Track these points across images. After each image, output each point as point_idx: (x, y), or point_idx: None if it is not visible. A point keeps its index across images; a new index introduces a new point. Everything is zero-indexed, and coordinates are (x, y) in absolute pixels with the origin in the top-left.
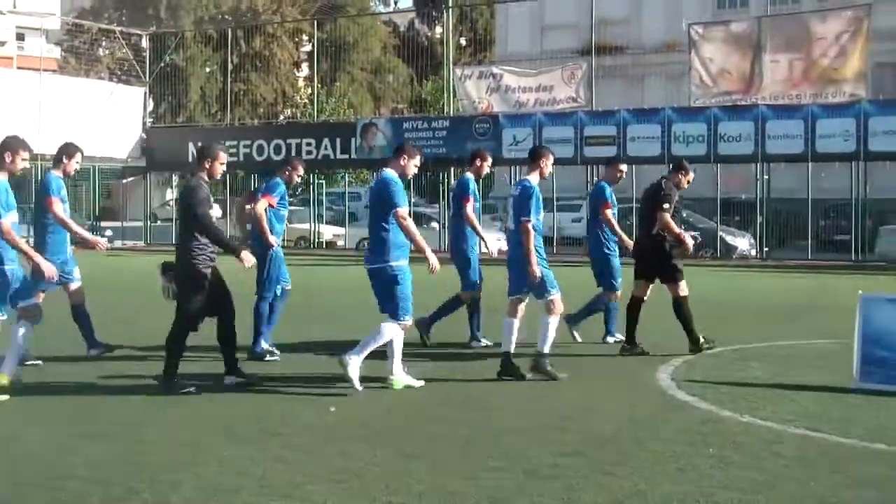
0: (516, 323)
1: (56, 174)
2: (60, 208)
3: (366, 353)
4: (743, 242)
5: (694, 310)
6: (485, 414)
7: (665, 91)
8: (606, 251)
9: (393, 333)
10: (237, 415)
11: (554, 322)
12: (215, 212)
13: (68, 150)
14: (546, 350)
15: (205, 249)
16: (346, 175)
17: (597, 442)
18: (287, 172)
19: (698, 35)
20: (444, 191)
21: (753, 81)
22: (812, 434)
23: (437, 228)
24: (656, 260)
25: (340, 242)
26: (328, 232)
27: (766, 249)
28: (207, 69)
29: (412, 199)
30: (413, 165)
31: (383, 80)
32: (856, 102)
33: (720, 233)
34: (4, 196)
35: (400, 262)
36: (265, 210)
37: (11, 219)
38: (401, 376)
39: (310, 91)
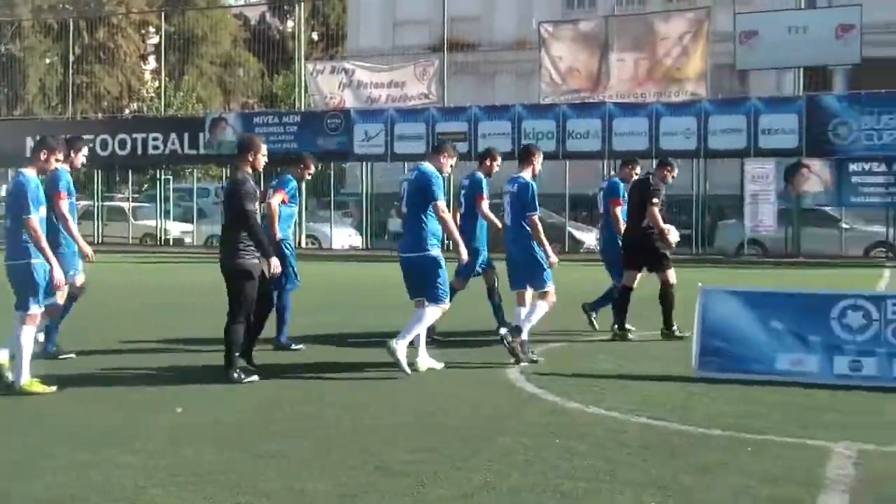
0: (525, 309)
1: (65, 168)
2: (66, 205)
3: (410, 337)
4: (589, 237)
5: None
6: (340, 411)
7: (516, 88)
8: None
9: (435, 317)
10: (80, 420)
11: (543, 308)
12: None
13: (76, 144)
14: (525, 325)
15: (249, 244)
16: (195, 170)
17: (447, 437)
18: (300, 170)
19: (548, 34)
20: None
21: (601, 80)
22: (654, 422)
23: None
24: (645, 250)
25: (188, 240)
26: (175, 229)
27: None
28: (47, 60)
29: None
30: (449, 165)
31: (233, 75)
32: (696, 101)
33: (568, 228)
34: (35, 192)
35: (437, 251)
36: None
37: (43, 211)
38: (425, 360)
39: (157, 84)
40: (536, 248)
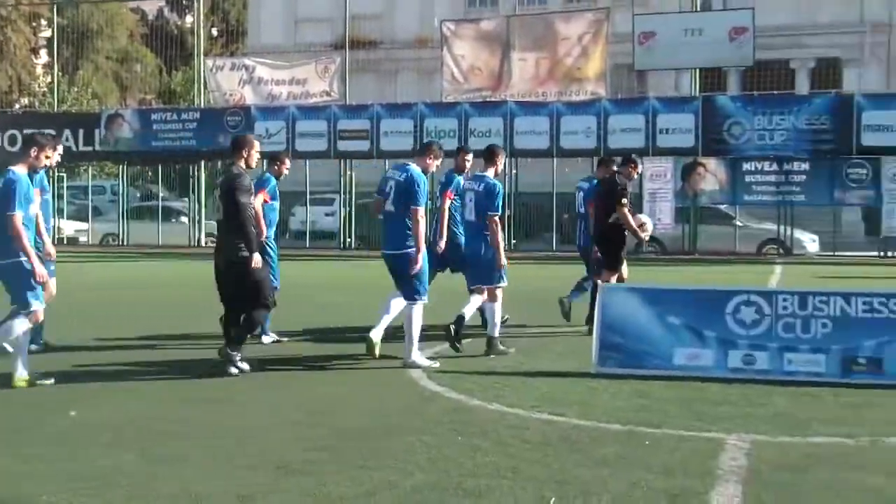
0: (491, 304)
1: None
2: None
3: (416, 340)
4: None
5: (442, 302)
6: (234, 411)
7: (418, 86)
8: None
9: (420, 312)
10: None
11: (478, 302)
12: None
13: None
14: (497, 323)
15: (252, 234)
16: (90, 168)
17: (349, 435)
18: (276, 167)
19: (450, 32)
20: (193, 184)
21: (502, 78)
22: (555, 418)
23: (187, 223)
24: (604, 246)
25: (83, 238)
26: (69, 227)
27: (513, 242)
28: None
29: (160, 193)
30: (435, 165)
31: (130, 70)
32: (596, 101)
33: None
34: (25, 189)
35: (420, 250)
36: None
37: (33, 210)
38: (418, 359)
39: (49, 79)
40: (496, 247)
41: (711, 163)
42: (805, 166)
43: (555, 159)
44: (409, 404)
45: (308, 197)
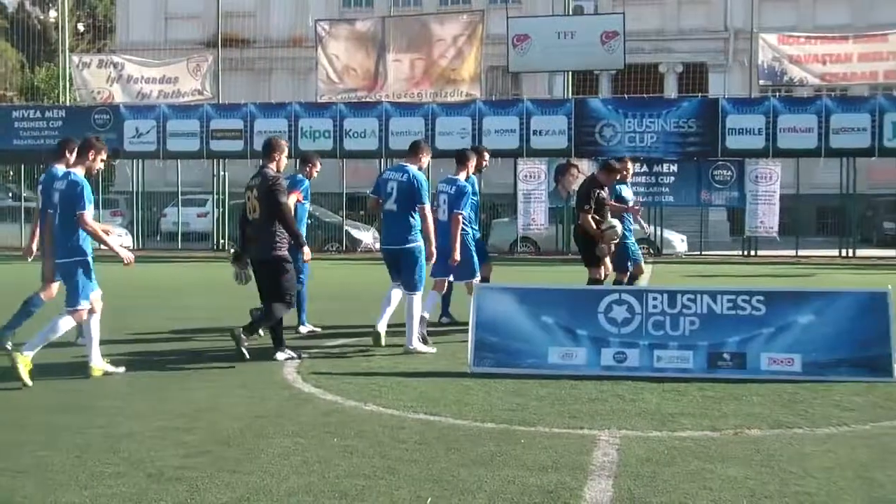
0: (438, 296)
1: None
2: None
3: (416, 330)
4: (367, 236)
5: (328, 301)
6: (102, 419)
7: (292, 86)
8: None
9: (419, 302)
10: None
11: (435, 298)
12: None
13: (70, 145)
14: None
15: (283, 234)
16: None
17: (222, 440)
18: (308, 168)
19: (325, 32)
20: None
21: (378, 79)
22: (431, 418)
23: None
24: (579, 244)
25: None
26: None
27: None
28: None
29: (23, 194)
30: (427, 161)
31: None
32: (471, 102)
33: (346, 227)
34: (89, 191)
35: (420, 244)
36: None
37: (92, 211)
38: (418, 346)
39: None
40: (470, 242)
41: (584, 164)
42: (673, 168)
43: (430, 160)
44: (283, 407)
45: (180, 197)
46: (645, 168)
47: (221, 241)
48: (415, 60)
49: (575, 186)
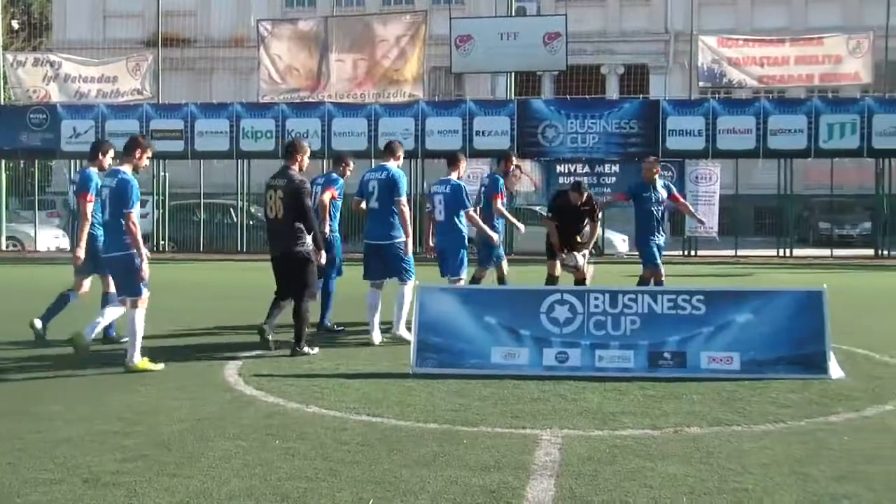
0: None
1: (93, 170)
2: (91, 206)
3: (404, 318)
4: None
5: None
6: (37, 424)
7: (234, 86)
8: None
9: (411, 290)
10: None
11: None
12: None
13: (104, 146)
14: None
15: (304, 234)
16: None
17: (162, 444)
18: (341, 168)
19: (267, 32)
20: None
21: (320, 79)
22: (373, 419)
23: None
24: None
25: None
26: None
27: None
28: None
29: None
30: (402, 158)
31: None
32: (414, 103)
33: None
34: (137, 189)
35: (403, 238)
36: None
37: (138, 210)
38: (403, 333)
39: None
40: (464, 243)
41: (527, 164)
42: (615, 168)
43: (372, 160)
44: (224, 409)
45: None
46: (587, 168)
47: (162, 242)
48: (358, 61)
49: (518, 187)
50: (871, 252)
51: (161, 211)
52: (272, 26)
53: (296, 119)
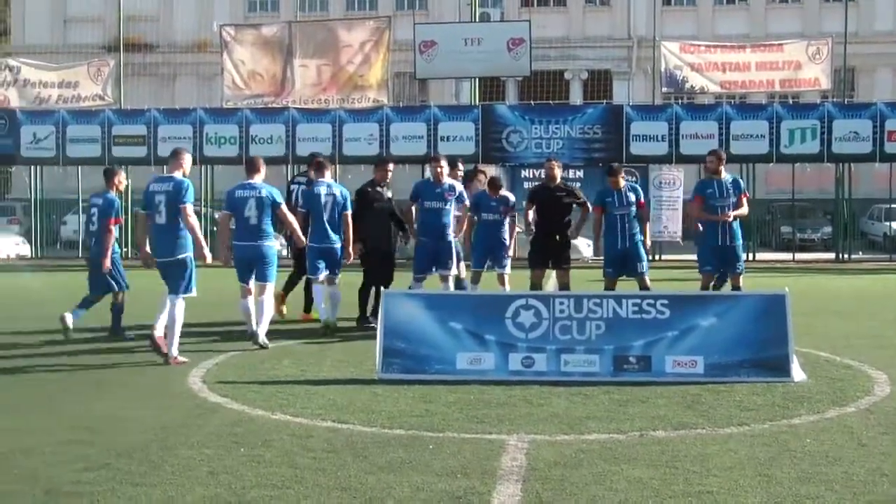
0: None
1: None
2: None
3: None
4: (276, 244)
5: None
6: (2, 435)
7: (197, 91)
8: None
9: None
10: None
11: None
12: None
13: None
14: None
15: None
16: None
17: (124, 453)
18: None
19: (230, 37)
20: None
21: (285, 85)
22: (339, 426)
23: None
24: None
25: None
26: None
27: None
28: None
29: None
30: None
31: None
32: (378, 108)
33: None
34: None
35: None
36: None
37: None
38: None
39: None
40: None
41: (491, 170)
42: (579, 174)
43: (338, 166)
44: (189, 417)
45: (81, 205)
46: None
47: (124, 248)
48: (322, 66)
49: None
50: (831, 256)
51: (124, 218)
52: (235, 31)
53: (260, 125)
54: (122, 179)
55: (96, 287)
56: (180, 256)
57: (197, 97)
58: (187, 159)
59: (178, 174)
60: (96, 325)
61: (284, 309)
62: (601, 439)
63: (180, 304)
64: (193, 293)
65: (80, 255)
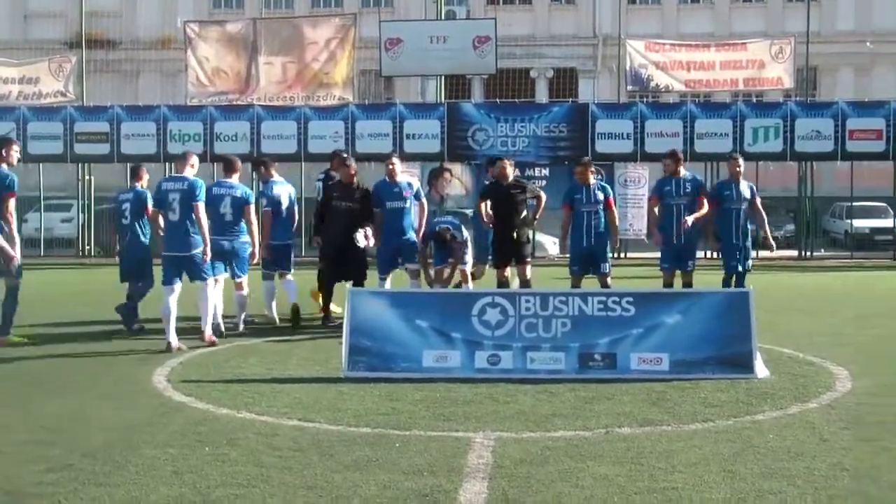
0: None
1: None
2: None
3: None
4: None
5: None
6: None
7: (161, 88)
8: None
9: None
10: None
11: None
12: None
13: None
14: None
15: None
16: None
17: (88, 453)
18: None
19: (194, 33)
20: None
21: (250, 82)
22: (305, 424)
23: None
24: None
25: None
26: None
27: None
28: None
29: None
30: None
31: None
32: (344, 106)
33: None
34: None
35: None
36: None
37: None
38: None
39: None
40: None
41: (457, 168)
42: (545, 172)
43: (303, 164)
44: (153, 416)
45: (42, 202)
46: (517, 172)
47: (87, 247)
48: (287, 63)
49: (448, 190)
50: (794, 253)
51: (86, 215)
52: (199, 28)
53: (224, 122)
54: (144, 175)
55: (139, 277)
56: (195, 251)
57: (161, 94)
58: (195, 160)
59: (188, 173)
60: (66, 320)
61: (320, 301)
62: (567, 436)
63: (209, 286)
64: (213, 275)
65: (41, 253)
